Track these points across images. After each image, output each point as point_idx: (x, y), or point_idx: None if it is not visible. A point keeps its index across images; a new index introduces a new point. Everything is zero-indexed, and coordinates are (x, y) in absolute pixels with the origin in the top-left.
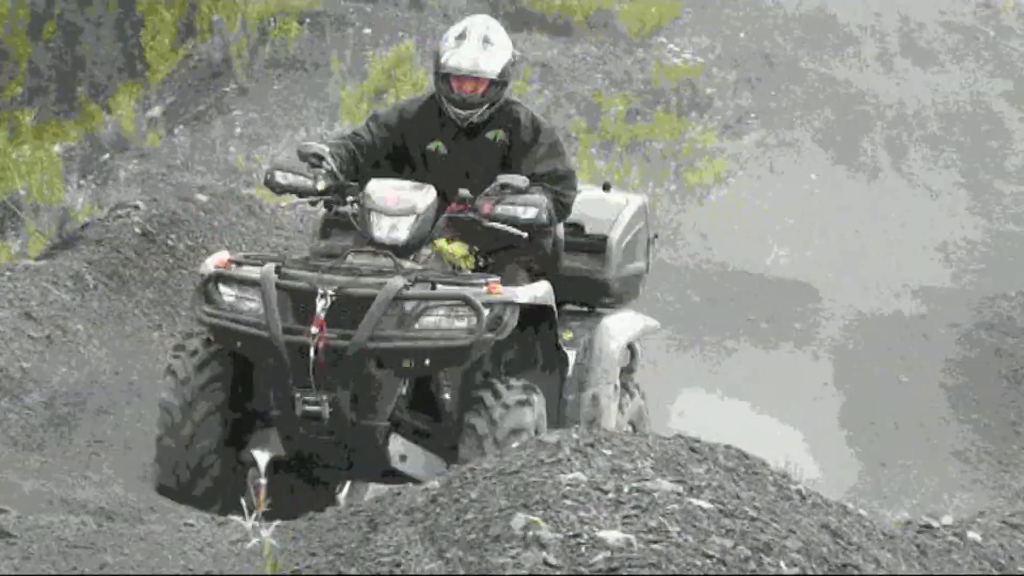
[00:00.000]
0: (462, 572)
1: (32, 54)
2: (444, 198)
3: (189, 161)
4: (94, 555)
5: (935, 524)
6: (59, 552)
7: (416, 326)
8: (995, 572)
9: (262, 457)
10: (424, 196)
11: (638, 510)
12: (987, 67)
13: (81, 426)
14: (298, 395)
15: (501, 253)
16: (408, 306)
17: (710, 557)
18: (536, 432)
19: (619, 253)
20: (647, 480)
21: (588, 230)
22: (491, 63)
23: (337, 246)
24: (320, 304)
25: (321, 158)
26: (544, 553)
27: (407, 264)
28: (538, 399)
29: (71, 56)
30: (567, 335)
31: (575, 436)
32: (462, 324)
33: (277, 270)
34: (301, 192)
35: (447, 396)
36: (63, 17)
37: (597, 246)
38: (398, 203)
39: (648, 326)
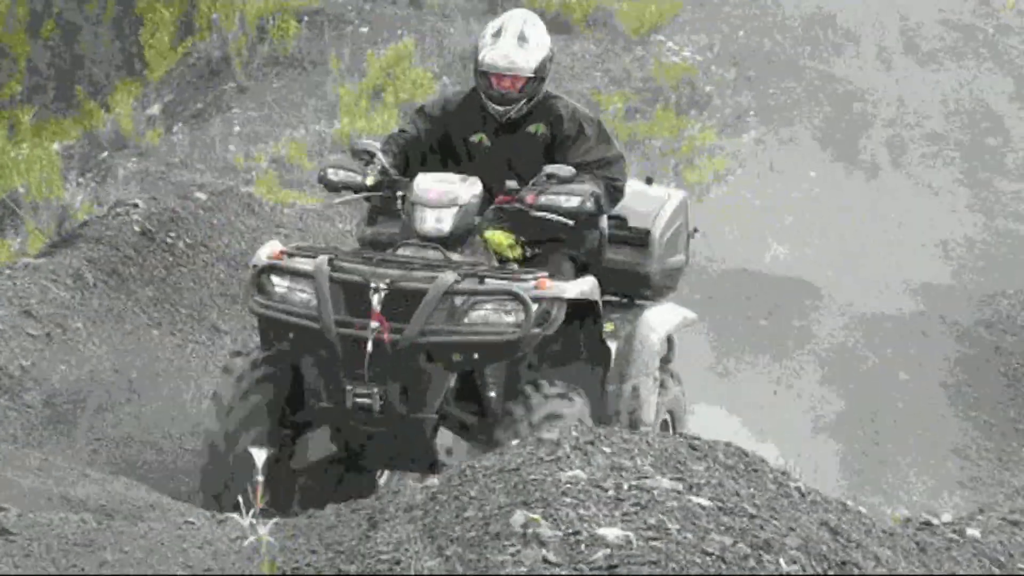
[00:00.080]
0: (461, 570)
1: (31, 52)
2: (489, 191)
3: (188, 159)
4: (94, 553)
5: (935, 521)
6: (59, 550)
7: (465, 320)
8: (995, 569)
9: (259, 455)
10: (468, 188)
11: (638, 507)
12: (986, 65)
13: (81, 424)
14: (349, 387)
15: (546, 244)
16: (458, 300)
17: (710, 554)
18: None
19: (661, 247)
20: (647, 478)
21: (631, 223)
22: (527, 59)
23: (383, 233)
24: (375, 298)
25: (372, 155)
26: (544, 550)
27: (455, 257)
28: (579, 399)
29: (70, 54)
30: (608, 326)
31: (575, 434)
32: (510, 319)
33: (330, 263)
34: (352, 188)
35: (492, 393)
36: (62, 15)
37: (640, 239)
38: (441, 196)
39: (687, 318)
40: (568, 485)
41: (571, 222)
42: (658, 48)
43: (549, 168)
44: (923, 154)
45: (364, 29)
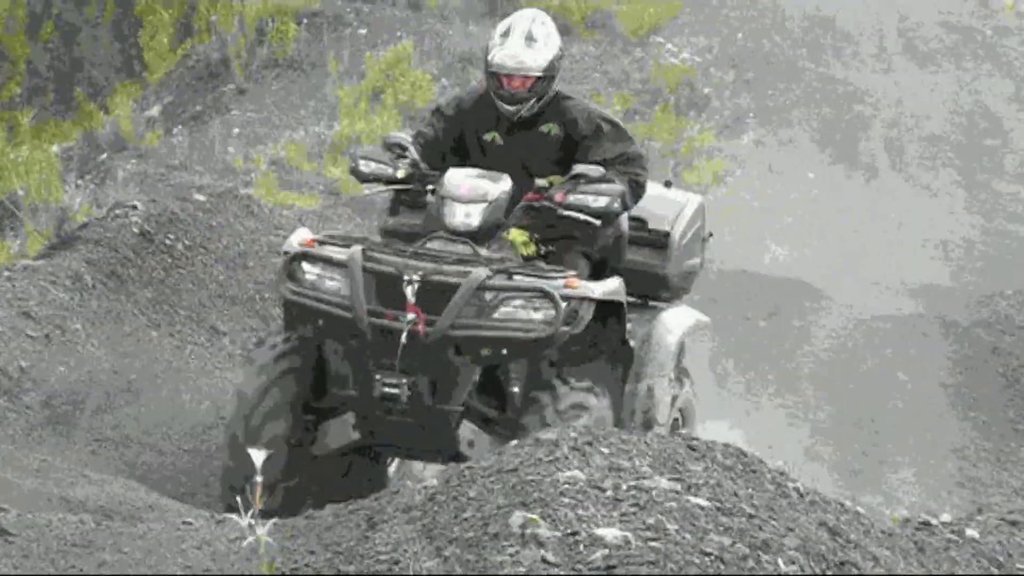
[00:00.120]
0: (460, 570)
1: (30, 54)
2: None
3: (187, 161)
4: (93, 554)
5: (933, 521)
6: (58, 551)
7: (495, 316)
8: (993, 569)
9: (258, 456)
10: (497, 184)
11: (636, 508)
12: (985, 67)
13: (80, 425)
14: (378, 377)
15: (560, 242)
16: (488, 295)
17: (708, 555)
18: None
19: (680, 249)
20: (645, 478)
21: (651, 225)
22: (535, 59)
23: (405, 224)
24: (409, 290)
25: (404, 148)
26: (542, 551)
27: (484, 252)
28: (604, 395)
29: (69, 56)
30: None
31: (573, 435)
32: (538, 316)
33: (363, 253)
34: (383, 180)
35: (515, 388)
36: (61, 17)
37: (660, 241)
38: (472, 191)
39: (700, 321)
40: (566, 486)
41: (598, 221)
42: (657, 50)
43: (579, 168)
44: (922, 155)
45: (363, 31)
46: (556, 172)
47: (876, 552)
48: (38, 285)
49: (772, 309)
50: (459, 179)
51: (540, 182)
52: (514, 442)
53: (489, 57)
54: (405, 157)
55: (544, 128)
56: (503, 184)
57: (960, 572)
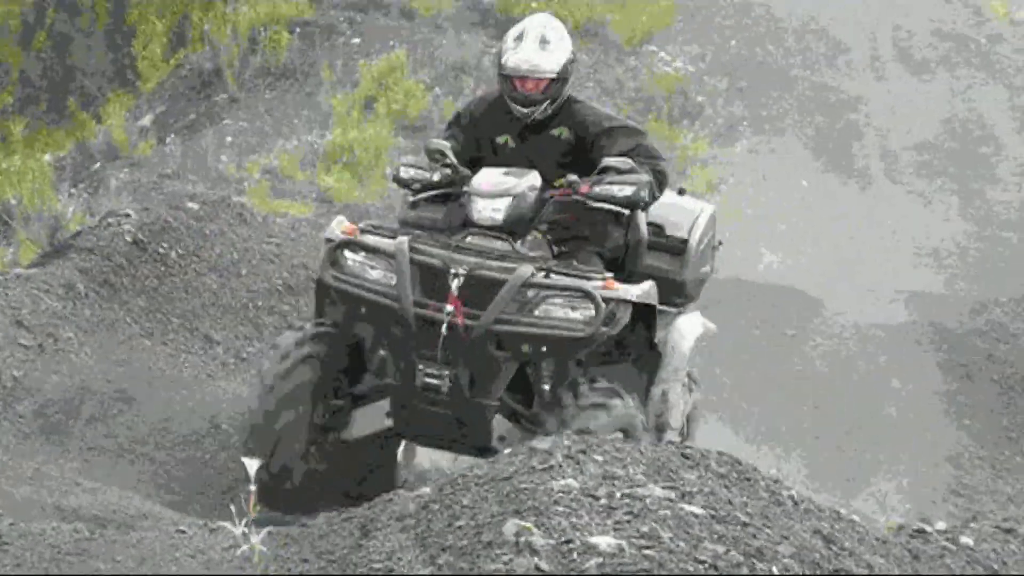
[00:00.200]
0: None
1: (23, 63)
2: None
3: (180, 170)
4: (86, 562)
5: (928, 529)
6: (52, 559)
7: (535, 313)
8: None
9: (251, 464)
10: (522, 180)
11: (630, 516)
12: (978, 75)
13: (73, 434)
14: (421, 367)
15: (572, 242)
16: (530, 292)
17: (702, 563)
18: (624, 433)
19: (697, 256)
20: (639, 486)
21: (668, 232)
22: (549, 62)
23: (425, 217)
24: (454, 283)
25: (444, 154)
26: (536, 559)
27: (520, 248)
28: (628, 398)
29: (62, 66)
30: None
31: (567, 443)
32: (577, 315)
33: (409, 244)
34: (422, 184)
35: (546, 386)
36: (54, 27)
37: (678, 248)
38: (495, 186)
39: (708, 328)
40: (560, 494)
41: (627, 211)
42: (650, 58)
43: (608, 161)
44: (915, 163)
45: (356, 40)
46: (566, 176)
47: (870, 560)
48: (31, 294)
49: (766, 316)
50: (484, 176)
51: (569, 177)
52: (507, 450)
53: (503, 60)
54: (446, 163)
55: (556, 131)
56: (529, 179)
57: None
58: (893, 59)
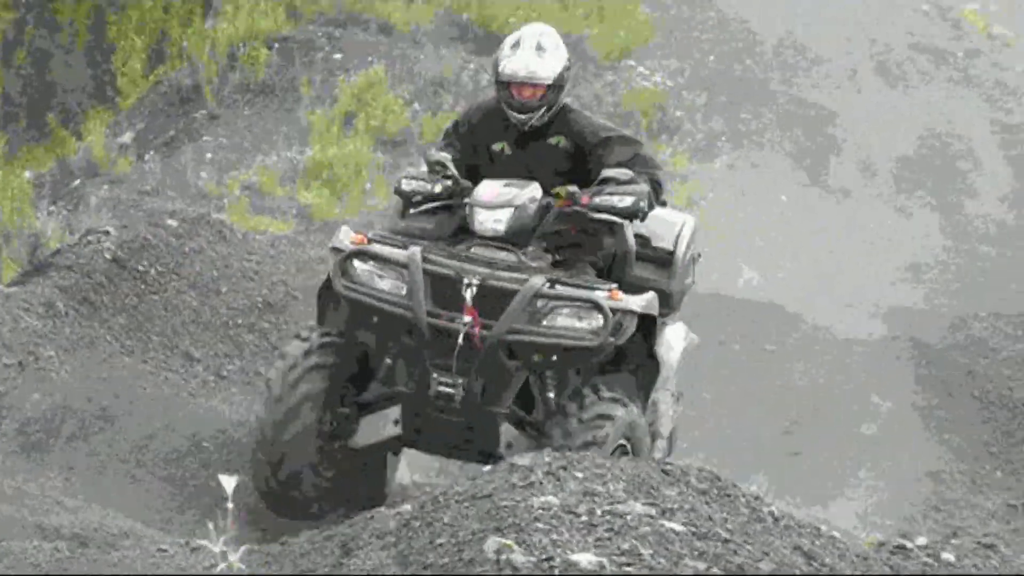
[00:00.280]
0: None
1: (2, 80)
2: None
3: (160, 187)
4: None
5: (909, 545)
6: None
7: (544, 323)
8: None
9: (228, 482)
10: (523, 191)
11: (611, 533)
12: (956, 88)
13: (54, 452)
14: (435, 375)
15: (567, 250)
16: (539, 303)
17: None
18: (629, 443)
19: (683, 267)
20: (619, 503)
21: (654, 243)
22: (545, 69)
23: (416, 226)
24: (468, 294)
25: (445, 166)
26: None
27: (524, 258)
28: (632, 406)
29: (41, 82)
30: None
31: (547, 459)
32: (584, 325)
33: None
34: (424, 196)
35: (551, 394)
36: (33, 44)
37: (664, 259)
38: (496, 196)
39: (692, 340)
40: (541, 511)
41: (627, 221)
42: (629, 73)
43: (608, 172)
44: (894, 177)
45: (335, 56)
46: (563, 184)
47: None
48: (11, 312)
49: (745, 332)
50: (486, 187)
51: (570, 188)
52: (488, 467)
53: (500, 68)
54: (447, 175)
55: (553, 140)
56: (530, 190)
57: None
58: (871, 73)
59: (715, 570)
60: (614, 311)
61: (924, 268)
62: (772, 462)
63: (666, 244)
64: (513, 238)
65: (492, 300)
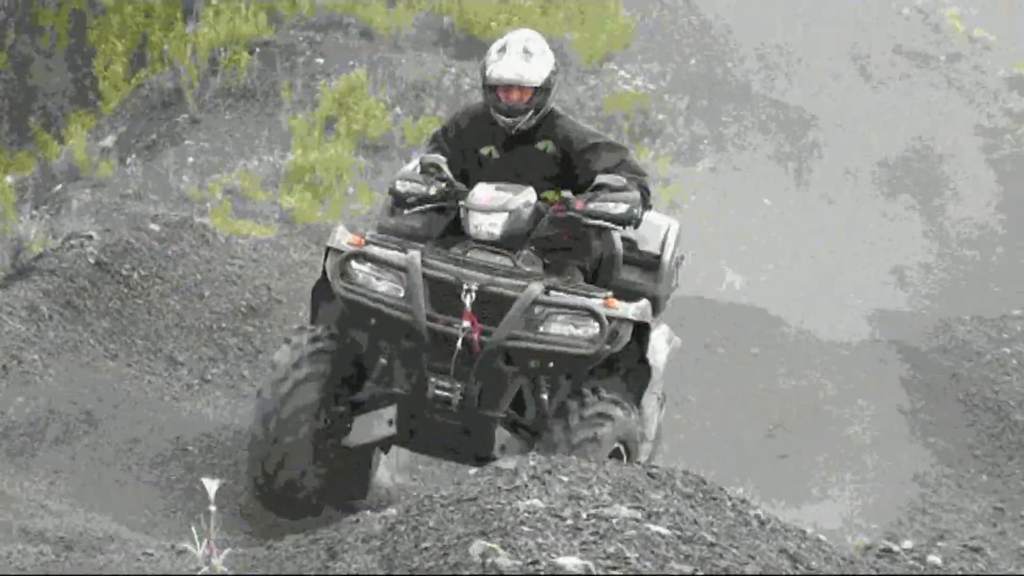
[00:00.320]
0: None
1: None
2: None
3: (142, 190)
4: None
5: (895, 548)
6: None
7: (541, 329)
8: None
9: (211, 486)
10: (518, 196)
11: (596, 536)
12: (938, 92)
13: (39, 456)
14: (432, 379)
15: (555, 253)
16: (536, 309)
17: None
18: (623, 445)
19: (669, 271)
20: (605, 506)
21: (641, 247)
22: (532, 72)
23: (404, 225)
24: (468, 299)
25: (439, 168)
26: None
27: (518, 262)
28: (630, 409)
29: (23, 87)
30: None
31: (532, 463)
32: (580, 332)
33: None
34: (418, 198)
35: (545, 396)
36: (15, 48)
37: (651, 263)
38: (491, 201)
39: (676, 343)
40: (526, 514)
41: (620, 228)
42: (610, 77)
43: (601, 178)
44: (877, 181)
45: (317, 60)
46: (551, 189)
47: None
48: None
49: (729, 335)
50: (482, 191)
51: (564, 193)
52: (473, 470)
53: (487, 72)
54: (441, 177)
55: (541, 145)
56: (525, 195)
57: None
58: (853, 76)
59: (701, 573)
60: (610, 319)
61: (908, 271)
62: (757, 465)
63: (653, 248)
64: (508, 242)
65: (491, 306)
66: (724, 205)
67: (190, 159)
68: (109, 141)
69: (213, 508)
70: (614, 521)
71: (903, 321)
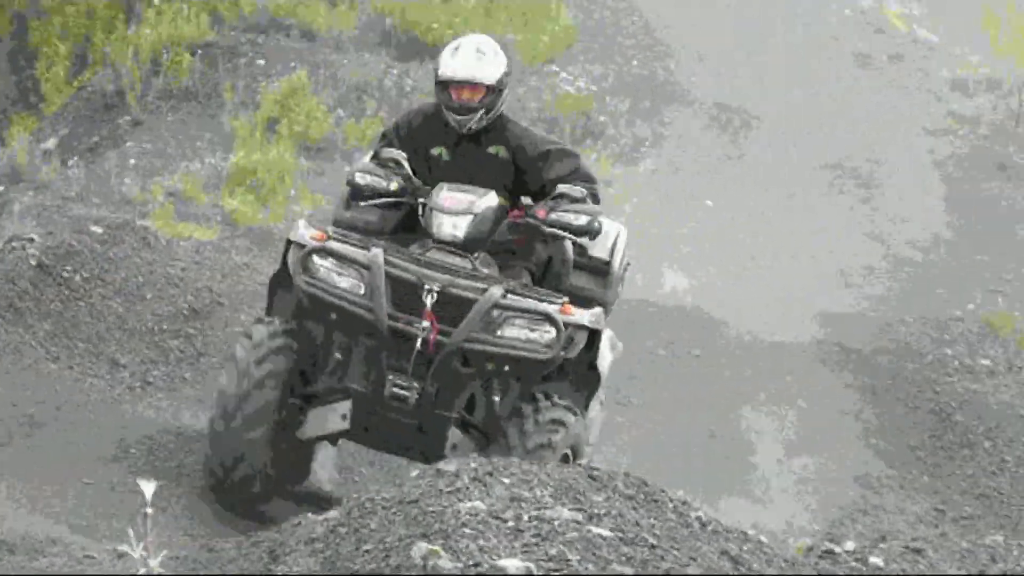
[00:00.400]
0: None
1: None
2: None
3: (84, 192)
4: None
5: (837, 549)
6: None
7: (498, 332)
8: None
9: (147, 487)
10: (483, 199)
11: (538, 538)
12: (882, 93)
13: None
14: (390, 376)
15: (502, 256)
16: (495, 313)
17: None
18: (572, 451)
19: (618, 277)
20: (546, 508)
21: (591, 253)
22: (485, 72)
23: (359, 219)
24: (428, 299)
25: (398, 163)
26: None
27: (476, 264)
28: (576, 420)
29: None
30: None
31: (473, 465)
32: (537, 337)
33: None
34: (377, 192)
35: (497, 398)
36: None
37: (601, 269)
38: (457, 203)
39: (619, 348)
40: (468, 516)
41: (580, 239)
42: (552, 79)
43: (562, 188)
44: (819, 182)
45: (259, 61)
46: (503, 194)
47: None
48: None
49: (672, 338)
50: (447, 193)
51: (525, 200)
52: (415, 472)
53: (440, 71)
54: (401, 173)
55: (492, 149)
56: (489, 199)
57: None
58: (795, 76)
59: (642, 575)
60: (566, 325)
61: (851, 273)
62: (700, 467)
63: (602, 254)
64: (469, 245)
65: (451, 307)
66: (666, 207)
67: (132, 161)
68: (51, 143)
69: (150, 510)
70: (556, 523)
71: (846, 322)
